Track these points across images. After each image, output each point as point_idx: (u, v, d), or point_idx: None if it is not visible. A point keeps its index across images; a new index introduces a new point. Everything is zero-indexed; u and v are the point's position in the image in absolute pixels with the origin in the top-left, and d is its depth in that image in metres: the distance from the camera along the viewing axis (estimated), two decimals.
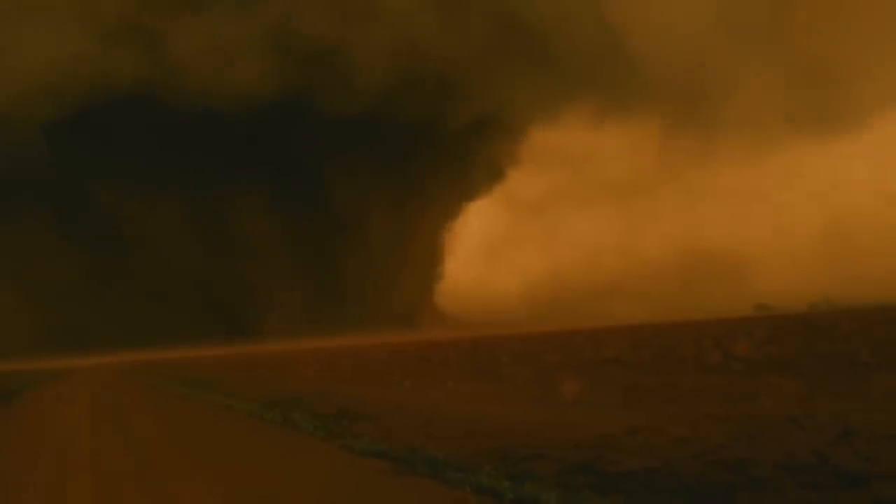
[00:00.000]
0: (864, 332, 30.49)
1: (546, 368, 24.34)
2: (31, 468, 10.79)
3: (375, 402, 16.59)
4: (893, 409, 10.18)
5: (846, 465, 6.78)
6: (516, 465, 7.92)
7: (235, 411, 18.14)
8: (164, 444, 12.70)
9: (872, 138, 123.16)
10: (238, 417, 16.73)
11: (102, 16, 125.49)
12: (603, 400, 13.69)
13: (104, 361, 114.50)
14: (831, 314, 68.06)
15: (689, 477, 6.83)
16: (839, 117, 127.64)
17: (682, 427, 9.70)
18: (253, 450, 11.41)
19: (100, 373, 67.86)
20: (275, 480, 8.48)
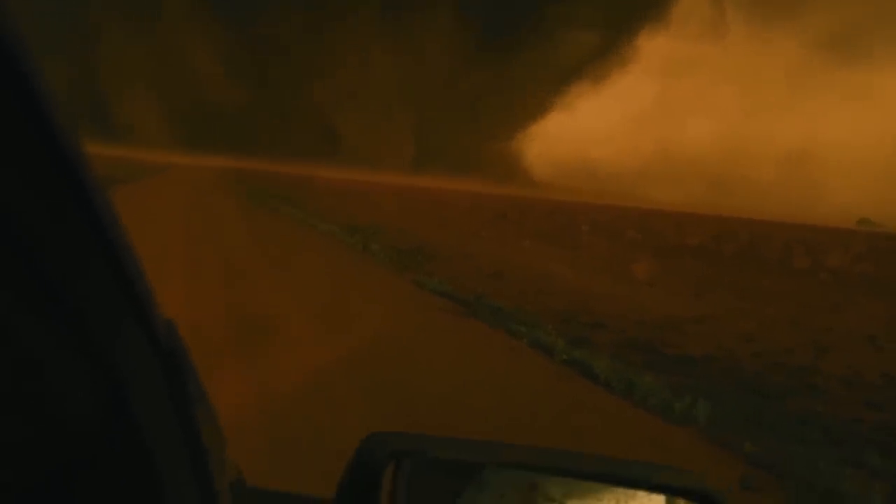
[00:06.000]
0: None
1: (625, 244, 24.12)
2: None
3: (451, 247, 17.01)
4: None
5: None
6: (576, 330, 8.09)
7: (318, 231, 19.04)
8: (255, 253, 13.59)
9: None
10: (320, 237, 17.58)
11: None
12: (677, 285, 13.56)
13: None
14: None
15: (747, 373, 6.82)
16: None
17: (753, 325, 9.57)
18: (330, 269, 12.06)
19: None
20: (347, 299, 9.00)
